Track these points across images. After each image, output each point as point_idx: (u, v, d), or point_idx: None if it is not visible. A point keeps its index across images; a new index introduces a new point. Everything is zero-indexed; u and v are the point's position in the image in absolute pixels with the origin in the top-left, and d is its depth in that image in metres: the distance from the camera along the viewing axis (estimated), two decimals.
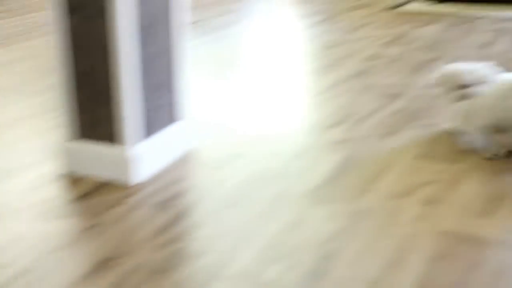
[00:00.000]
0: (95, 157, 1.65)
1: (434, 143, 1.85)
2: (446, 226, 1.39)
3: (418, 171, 1.67)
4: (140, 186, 1.62)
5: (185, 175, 1.69)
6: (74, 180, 1.65)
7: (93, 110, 1.63)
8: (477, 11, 3.87)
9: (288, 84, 2.50)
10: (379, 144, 1.85)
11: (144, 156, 1.66)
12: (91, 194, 1.57)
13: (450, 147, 1.81)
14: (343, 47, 3.06)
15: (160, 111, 1.73)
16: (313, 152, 1.82)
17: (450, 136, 1.89)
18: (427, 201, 1.51)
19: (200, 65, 2.81)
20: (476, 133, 1.78)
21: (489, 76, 1.81)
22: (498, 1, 4.09)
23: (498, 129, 1.76)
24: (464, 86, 1.82)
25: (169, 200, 1.55)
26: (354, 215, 1.45)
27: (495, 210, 1.45)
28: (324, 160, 1.76)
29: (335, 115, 2.11)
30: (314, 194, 1.56)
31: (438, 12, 3.89)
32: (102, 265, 1.26)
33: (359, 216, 1.45)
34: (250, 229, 1.40)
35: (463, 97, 1.81)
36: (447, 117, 2.05)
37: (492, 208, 1.46)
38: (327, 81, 2.51)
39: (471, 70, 1.83)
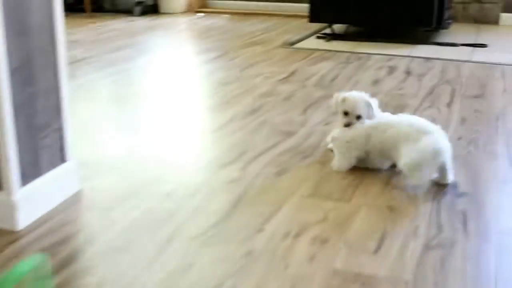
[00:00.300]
0: None
1: (325, 181, 1.88)
2: (338, 265, 1.41)
3: (309, 209, 1.69)
4: (26, 231, 1.54)
5: (74, 218, 1.63)
6: None
7: None
8: (367, 49, 4.03)
9: (183, 122, 2.48)
10: (272, 182, 1.87)
11: (29, 200, 1.58)
12: None
13: (341, 185, 1.85)
14: (238, 84, 3.08)
15: (45, 153, 1.67)
16: (207, 191, 1.80)
17: (339, 171, 1.94)
18: (318, 240, 1.52)
19: (90, 103, 2.75)
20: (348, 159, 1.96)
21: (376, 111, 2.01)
22: (386, 40, 4.29)
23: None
24: (357, 116, 1.97)
25: (56, 245, 1.48)
26: (246, 257, 1.44)
27: (384, 247, 1.49)
28: (217, 199, 1.75)
29: (229, 153, 2.12)
30: (206, 235, 1.54)
31: (330, 49, 4.02)
32: None
33: (250, 257, 1.44)
34: (139, 275, 1.36)
35: (349, 125, 1.98)
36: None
37: (380, 245, 1.50)
38: (222, 118, 2.52)
39: (368, 102, 2.00)
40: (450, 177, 1.85)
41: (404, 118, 1.95)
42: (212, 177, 1.92)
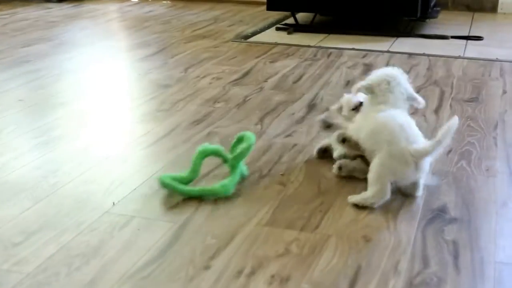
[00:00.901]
0: None
1: (286, 205, 1.89)
2: None
3: (267, 241, 1.69)
4: None
5: None
6: None
7: None
8: (338, 43, 4.08)
9: (110, 133, 2.47)
10: (221, 208, 1.87)
11: None
12: None
13: (305, 210, 1.86)
14: (181, 87, 3.09)
15: None
16: (140, 221, 1.79)
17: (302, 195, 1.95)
18: (278, 278, 1.53)
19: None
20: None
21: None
22: (361, 33, 4.35)
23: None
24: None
25: None
26: None
27: (358, 287, 1.50)
28: (153, 230, 1.74)
29: (170, 172, 2.11)
30: (140, 275, 1.53)
31: (293, 44, 4.06)
32: None
33: None
34: None
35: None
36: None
37: (353, 284, 1.51)
38: (161, 129, 2.51)
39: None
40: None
41: None
42: (148, 203, 1.91)
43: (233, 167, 2.02)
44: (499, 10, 5.35)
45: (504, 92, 3.07)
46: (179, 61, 3.61)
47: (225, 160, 2.10)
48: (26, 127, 2.53)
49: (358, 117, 2.07)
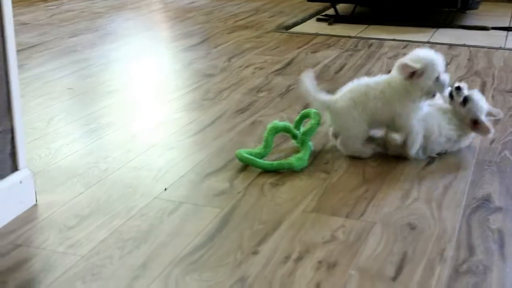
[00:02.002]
0: None
1: (331, 193, 1.90)
2: None
3: (313, 228, 1.70)
4: None
5: (28, 239, 1.63)
6: None
7: None
8: (379, 34, 4.06)
9: (157, 122, 2.49)
10: (267, 195, 1.88)
11: None
12: None
13: (350, 197, 1.86)
14: (224, 76, 3.10)
15: None
16: (189, 206, 1.81)
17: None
18: (325, 264, 1.53)
19: (44, 100, 2.75)
20: None
21: None
22: (401, 23, 4.32)
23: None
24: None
25: (6, 272, 1.48)
26: (237, 285, 1.45)
27: (404, 274, 1.50)
28: (202, 216, 1.76)
29: (215, 160, 2.12)
30: (189, 260, 1.55)
31: (334, 34, 4.04)
32: None
33: (243, 286, 1.45)
34: None
35: None
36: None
37: (399, 271, 1.51)
38: (206, 117, 2.53)
39: None
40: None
41: None
42: (195, 189, 1.92)
43: (303, 143, 2.11)
44: None
45: None
46: (222, 51, 3.62)
47: (294, 136, 2.20)
48: (76, 114, 2.56)
49: None
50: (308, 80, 2.16)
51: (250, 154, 2.07)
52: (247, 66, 3.28)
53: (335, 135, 2.20)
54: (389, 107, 2.11)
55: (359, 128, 2.12)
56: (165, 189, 1.91)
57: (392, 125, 2.14)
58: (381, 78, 2.22)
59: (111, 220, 1.73)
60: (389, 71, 3.15)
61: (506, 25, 4.36)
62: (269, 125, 2.15)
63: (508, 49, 3.70)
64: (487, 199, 1.86)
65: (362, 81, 2.21)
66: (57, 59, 3.40)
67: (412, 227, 1.71)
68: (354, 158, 2.13)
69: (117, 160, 2.12)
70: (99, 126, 2.43)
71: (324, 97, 2.18)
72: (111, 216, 1.75)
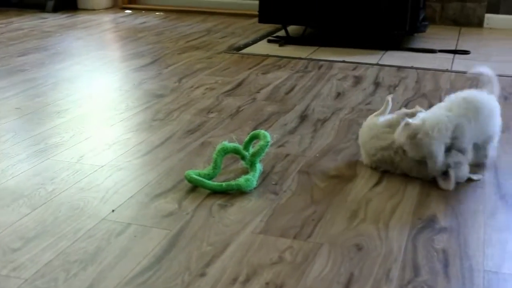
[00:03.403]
0: None
1: (280, 214, 1.90)
2: None
3: (261, 249, 1.70)
4: None
5: None
6: None
7: None
8: (329, 55, 4.10)
9: (106, 142, 2.47)
10: (216, 216, 1.87)
11: None
12: None
13: (299, 218, 1.87)
14: (175, 97, 3.09)
15: None
16: (137, 228, 1.80)
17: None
18: (272, 285, 1.53)
19: None
20: None
21: None
22: (351, 45, 4.38)
23: None
24: None
25: None
26: None
27: None
28: (149, 237, 1.75)
29: (164, 181, 2.11)
30: (137, 282, 1.54)
31: (285, 56, 4.07)
32: None
33: None
34: None
35: None
36: None
37: None
38: (156, 138, 2.52)
39: None
40: None
41: None
42: (144, 210, 1.91)
43: (252, 164, 2.13)
44: (485, 25, 5.39)
45: None
46: (173, 71, 3.62)
47: (243, 157, 2.21)
48: (24, 135, 2.53)
49: None
50: None
51: (199, 175, 2.07)
52: (197, 87, 3.29)
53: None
54: None
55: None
56: (113, 210, 1.89)
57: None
58: None
59: (57, 242, 1.71)
60: (338, 93, 3.19)
61: (453, 48, 4.45)
62: (218, 146, 2.16)
63: (455, 72, 3.77)
64: (432, 220, 1.89)
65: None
66: (5, 78, 3.36)
67: (359, 247, 1.72)
68: (303, 180, 2.15)
69: (65, 181, 2.10)
70: (47, 146, 2.41)
71: None
72: (57, 238, 1.73)
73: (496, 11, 5.37)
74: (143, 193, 2.02)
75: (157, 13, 5.80)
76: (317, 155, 2.38)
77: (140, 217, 1.86)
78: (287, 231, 1.80)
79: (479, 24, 5.40)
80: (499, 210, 1.97)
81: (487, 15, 5.38)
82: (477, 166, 2.27)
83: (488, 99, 2.28)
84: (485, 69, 2.25)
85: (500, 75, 3.61)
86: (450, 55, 4.24)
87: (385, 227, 1.83)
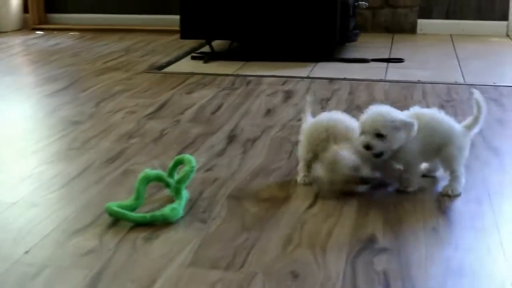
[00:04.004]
0: None
1: (209, 244, 1.88)
2: None
3: (191, 283, 1.68)
4: None
5: None
6: None
7: None
8: (257, 70, 4.12)
9: (16, 174, 2.41)
10: (141, 250, 1.84)
11: None
12: None
13: (229, 248, 1.86)
14: (93, 123, 3.05)
15: None
16: (53, 270, 1.75)
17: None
18: None
19: None
20: None
21: None
22: (280, 59, 4.40)
23: None
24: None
25: None
26: None
27: None
28: (67, 279, 1.70)
29: (83, 215, 2.07)
30: None
31: (210, 73, 4.07)
32: None
33: None
34: None
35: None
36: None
37: None
38: (73, 168, 2.47)
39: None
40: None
41: None
42: (60, 250, 1.87)
43: (178, 191, 2.10)
44: (418, 30, 5.51)
45: None
46: (89, 95, 3.58)
47: (167, 185, 2.18)
48: None
49: None
50: None
51: (121, 207, 2.04)
52: (117, 111, 3.25)
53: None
54: None
55: None
56: (26, 251, 1.84)
57: None
58: None
59: None
60: (268, 110, 3.20)
61: (386, 56, 4.53)
62: (140, 175, 2.13)
63: (389, 81, 3.83)
64: (371, 240, 1.90)
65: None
66: None
67: (295, 275, 1.71)
68: (233, 205, 2.13)
69: None
70: None
71: None
72: None
73: (429, 16, 5.49)
74: (60, 231, 1.98)
75: (71, 33, 5.74)
76: (248, 177, 2.37)
77: (56, 258, 1.82)
78: (217, 262, 1.78)
79: (412, 30, 5.52)
80: (440, 226, 1.99)
81: (420, 21, 5.50)
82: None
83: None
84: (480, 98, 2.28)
85: (435, 83, 3.70)
86: (384, 64, 4.31)
87: (322, 251, 1.83)
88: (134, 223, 2.00)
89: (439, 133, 2.23)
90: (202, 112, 3.23)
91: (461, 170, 2.23)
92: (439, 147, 2.23)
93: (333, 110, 3.11)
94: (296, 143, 2.70)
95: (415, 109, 2.32)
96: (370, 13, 5.53)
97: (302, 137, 2.38)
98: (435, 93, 3.53)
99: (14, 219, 2.06)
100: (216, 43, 4.75)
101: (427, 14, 5.49)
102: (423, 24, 5.50)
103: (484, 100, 2.26)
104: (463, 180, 2.23)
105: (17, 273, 1.73)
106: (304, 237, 1.91)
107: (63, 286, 1.67)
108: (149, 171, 2.14)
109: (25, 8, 5.97)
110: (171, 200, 2.11)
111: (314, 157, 2.29)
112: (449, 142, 2.22)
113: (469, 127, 2.27)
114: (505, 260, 1.78)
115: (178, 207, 2.03)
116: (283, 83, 3.79)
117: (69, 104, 3.40)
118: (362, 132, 2.21)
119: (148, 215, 2.01)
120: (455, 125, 2.27)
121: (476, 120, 2.26)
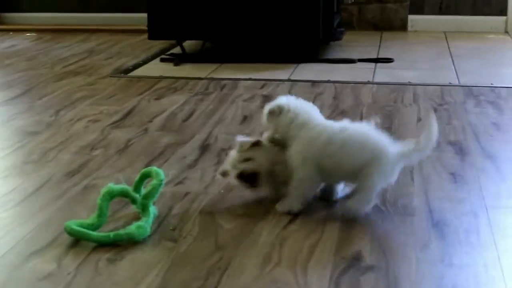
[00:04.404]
0: None
1: (179, 264, 1.89)
2: None
3: None
4: None
5: None
6: None
7: None
8: (232, 73, 4.12)
9: None
10: (104, 274, 1.84)
11: None
12: None
13: (201, 269, 1.86)
14: (52, 133, 3.05)
15: None
16: None
17: None
18: None
19: None
20: None
21: None
22: (257, 60, 4.41)
23: None
24: None
25: None
26: None
27: None
28: None
29: (40, 235, 2.07)
30: None
31: (181, 76, 4.07)
32: None
33: None
34: None
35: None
36: None
37: None
38: (29, 184, 2.47)
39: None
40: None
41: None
42: (15, 274, 1.86)
43: (145, 207, 2.11)
44: (409, 27, 5.55)
45: (419, 119, 3.17)
46: (48, 103, 3.57)
47: (133, 201, 2.18)
48: None
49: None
50: None
51: (82, 226, 2.03)
52: (78, 120, 3.25)
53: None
54: None
55: None
56: None
57: None
58: None
59: None
60: (244, 116, 3.21)
61: (374, 56, 4.55)
62: (103, 190, 2.13)
63: (377, 83, 3.85)
64: (357, 258, 1.91)
65: None
66: None
67: None
68: (205, 221, 2.14)
69: None
70: None
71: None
72: None
73: (421, 12, 5.53)
74: (15, 252, 1.97)
75: (28, 34, 5.73)
76: (222, 191, 2.38)
77: (11, 283, 1.81)
78: (189, 285, 1.79)
79: (403, 27, 5.55)
80: (432, 241, 2.01)
81: (411, 17, 5.54)
82: None
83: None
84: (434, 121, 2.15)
85: (427, 84, 3.73)
86: (372, 65, 4.33)
87: (304, 271, 1.84)
88: (97, 243, 2.00)
89: (361, 152, 2.13)
90: (173, 119, 3.24)
91: (374, 195, 2.15)
92: (356, 168, 2.13)
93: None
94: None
95: (344, 123, 2.21)
96: (356, 9, 5.57)
97: None
98: (427, 96, 3.56)
99: None
100: (188, 44, 4.75)
101: (418, 9, 5.53)
102: (414, 20, 5.54)
103: (436, 125, 2.15)
104: (371, 202, 2.15)
105: None
106: (284, 256, 1.92)
107: None
108: (113, 186, 2.14)
109: None
110: (137, 217, 2.11)
111: None
112: (372, 165, 2.11)
113: (406, 154, 2.14)
114: (503, 278, 1.80)
115: (145, 225, 2.03)
116: (261, 87, 3.80)
117: (25, 113, 3.40)
118: None
119: (111, 234, 2.00)
120: (387, 146, 2.14)
121: (418, 146, 2.14)
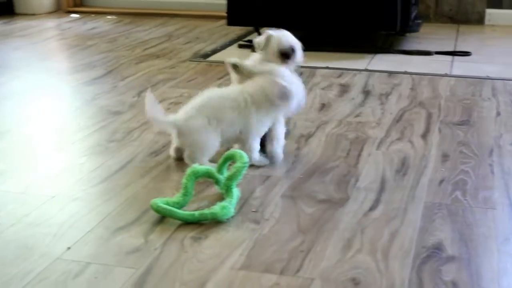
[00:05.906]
0: None
1: (263, 245, 1.91)
2: None
3: (241, 287, 1.70)
4: None
5: None
6: None
7: None
8: (310, 61, 4.11)
9: (55, 167, 2.46)
10: (189, 251, 1.87)
11: None
12: None
13: (285, 249, 1.88)
14: (134, 113, 3.09)
15: None
16: (97, 267, 1.79)
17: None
18: None
19: None
20: None
21: None
22: (336, 49, 4.40)
23: None
24: None
25: None
26: None
27: None
28: (112, 278, 1.74)
29: (127, 211, 2.11)
30: None
31: None
32: None
33: None
34: None
35: None
36: None
37: None
38: (115, 161, 2.52)
39: None
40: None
41: None
42: (104, 247, 1.91)
43: (228, 189, 2.15)
44: (486, 21, 5.46)
45: (498, 113, 3.13)
46: (130, 84, 3.62)
47: (217, 182, 2.22)
48: None
49: None
50: (150, 101, 2.39)
51: (167, 203, 2.07)
52: (160, 101, 3.28)
53: (178, 150, 2.50)
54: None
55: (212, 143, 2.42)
56: (69, 248, 1.89)
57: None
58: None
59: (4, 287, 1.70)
60: (322, 104, 3.22)
61: (451, 49, 4.50)
62: (189, 170, 2.16)
63: (454, 76, 3.81)
64: (438, 247, 1.90)
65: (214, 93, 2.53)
66: None
67: (355, 282, 1.73)
68: (287, 205, 2.16)
69: (11, 215, 2.09)
70: None
71: (170, 117, 2.45)
72: (4, 282, 1.72)
73: (499, 6, 5.44)
74: (103, 227, 2.02)
75: (108, 17, 5.81)
76: (302, 176, 2.39)
77: (100, 255, 1.86)
78: (272, 266, 1.81)
79: (480, 21, 5.47)
80: None
81: (488, 11, 5.45)
82: None
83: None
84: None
85: (506, 79, 3.68)
86: (449, 57, 4.29)
87: (385, 258, 1.85)
88: (182, 221, 2.03)
89: None
90: None
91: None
92: None
93: (393, 106, 3.13)
94: (354, 141, 2.71)
95: None
96: (434, 1, 5.50)
97: None
98: (507, 91, 3.51)
99: (53, 214, 2.11)
100: None
101: (496, 3, 5.45)
102: (492, 14, 5.46)
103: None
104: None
105: (59, 270, 1.78)
106: (365, 242, 1.93)
107: (108, 285, 1.71)
108: (197, 167, 2.17)
109: None
110: (221, 198, 2.15)
111: None
112: None
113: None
114: None
115: (229, 206, 2.06)
116: (339, 76, 3.80)
117: (108, 93, 3.45)
118: None
119: (196, 213, 2.04)
120: None
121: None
